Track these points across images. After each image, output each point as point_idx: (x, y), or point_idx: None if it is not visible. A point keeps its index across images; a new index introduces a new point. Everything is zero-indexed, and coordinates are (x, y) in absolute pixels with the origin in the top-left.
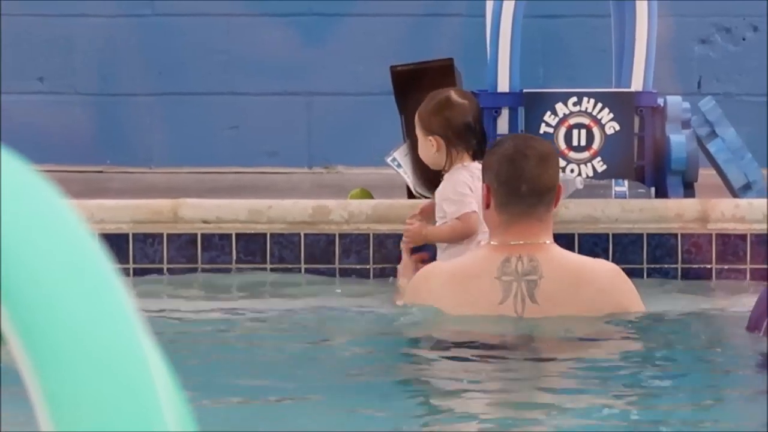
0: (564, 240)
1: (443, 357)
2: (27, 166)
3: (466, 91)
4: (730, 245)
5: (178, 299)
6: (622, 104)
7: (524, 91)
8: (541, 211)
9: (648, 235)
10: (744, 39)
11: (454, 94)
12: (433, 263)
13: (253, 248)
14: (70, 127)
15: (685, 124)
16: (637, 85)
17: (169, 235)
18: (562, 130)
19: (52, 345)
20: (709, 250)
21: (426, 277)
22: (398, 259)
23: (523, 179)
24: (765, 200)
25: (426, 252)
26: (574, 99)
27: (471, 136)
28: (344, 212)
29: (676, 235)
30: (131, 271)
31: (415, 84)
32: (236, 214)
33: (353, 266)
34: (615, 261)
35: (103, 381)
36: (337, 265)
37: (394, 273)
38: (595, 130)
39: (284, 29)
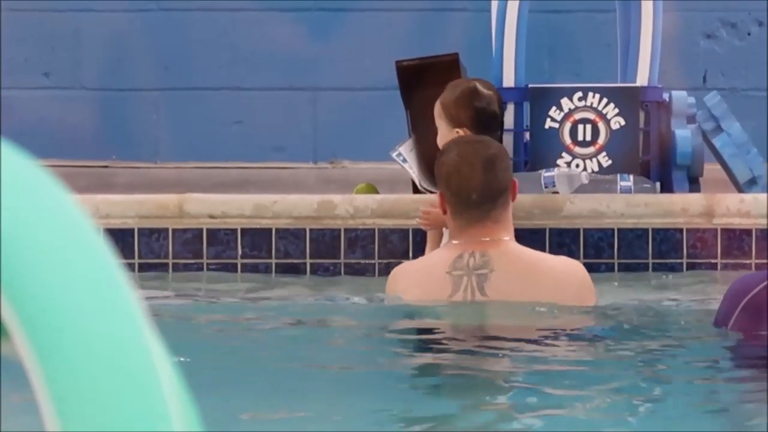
0: (569, 235)
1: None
2: (31, 161)
3: (487, 81)
4: (736, 240)
5: (183, 294)
6: (627, 99)
7: (529, 86)
8: (497, 213)
9: (653, 229)
10: (749, 34)
11: (479, 85)
12: (404, 262)
13: (258, 243)
14: (76, 122)
15: (691, 119)
16: (642, 80)
17: (174, 230)
18: (568, 125)
19: (58, 341)
20: (714, 245)
21: (395, 276)
22: (404, 254)
23: (472, 188)
24: None
25: None
26: (580, 94)
27: (497, 128)
28: (350, 207)
29: (681, 230)
30: (136, 266)
31: (420, 79)
32: (242, 209)
33: (358, 261)
34: (620, 256)
35: (109, 378)
36: (342, 260)
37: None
38: (601, 125)
39: (290, 24)
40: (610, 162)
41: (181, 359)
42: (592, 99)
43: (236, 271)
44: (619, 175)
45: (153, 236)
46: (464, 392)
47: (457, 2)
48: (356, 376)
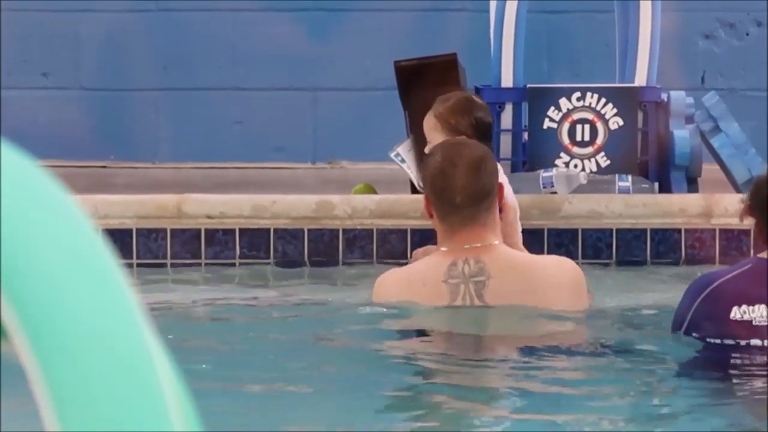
0: (567, 235)
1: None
2: (31, 161)
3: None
4: (734, 240)
5: (181, 294)
6: (625, 99)
7: (528, 86)
8: (483, 216)
9: (652, 230)
10: (748, 34)
11: (473, 96)
12: (391, 270)
13: (256, 243)
14: (75, 122)
15: (689, 119)
16: (640, 80)
17: (173, 230)
18: (566, 126)
19: (57, 341)
20: (712, 245)
21: (383, 284)
22: (402, 255)
23: (456, 191)
24: None
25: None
26: (578, 94)
27: (491, 137)
28: (348, 207)
29: (679, 230)
30: (135, 266)
31: (419, 79)
32: (240, 210)
33: (357, 261)
34: (619, 256)
35: (108, 378)
36: (340, 260)
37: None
38: (599, 126)
39: (290, 24)
40: (608, 162)
41: (179, 359)
42: (591, 99)
43: (235, 271)
44: (617, 176)
45: (151, 236)
46: (463, 398)
47: (456, 2)
48: (356, 377)
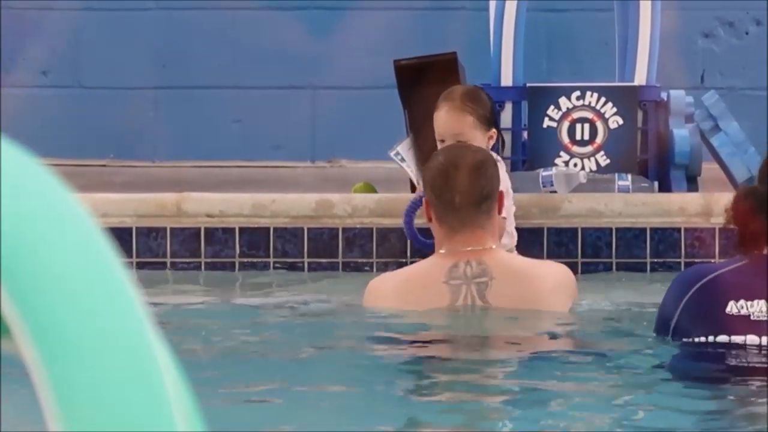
0: (567, 234)
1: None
2: (33, 159)
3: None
4: (733, 239)
5: (181, 293)
6: (625, 98)
7: (528, 85)
8: (481, 219)
9: (651, 229)
10: (747, 33)
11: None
12: (382, 274)
13: (256, 242)
14: (74, 120)
15: (689, 118)
16: (640, 79)
17: (172, 229)
18: (566, 124)
19: (61, 340)
20: (712, 244)
21: (376, 287)
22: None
23: (455, 191)
24: None
25: None
26: (578, 93)
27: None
28: (348, 206)
29: (679, 229)
30: (134, 265)
31: (418, 78)
32: (240, 208)
33: (356, 260)
34: (618, 255)
35: (112, 376)
36: (340, 259)
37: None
38: (599, 124)
39: (289, 23)
40: (608, 161)
41: (178, 358)
42: (591, 98)
43: (234, 270)
44: (617, 175)
45: (151, 235)
46: (463, 400)
47: (456, 1)
48: (355, 377)
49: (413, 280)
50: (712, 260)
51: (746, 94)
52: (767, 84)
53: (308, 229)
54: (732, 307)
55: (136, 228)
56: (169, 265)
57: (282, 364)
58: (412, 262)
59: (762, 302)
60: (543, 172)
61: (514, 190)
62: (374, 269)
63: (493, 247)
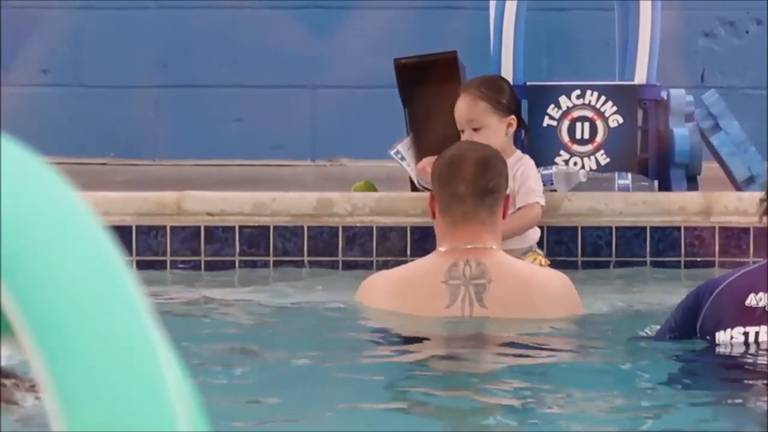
0: (567, 233)
1: (397, 359)
2: (33, 156)
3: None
4: (733, 238)
5: (181, 291)
6: (625, 97)
7: (528, 83)
8: (484, 214)
9: (651, 228)
10: (747, 32)
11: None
12: (379, 272)
13: (256, 241)
14: (74, 119)
15: (689, 117)
16: (640, 78)
17: (172, 228)
18: (566, 123)
19: (63, 338)
20: (712, 243)
21: (373, 284)
22: (402, 252)
23: (460, 179)
24: None
25: None
26: (578, 92)
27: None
28: (348, 205)
29: (679, 228)
30: (135, 264)
31: (419, 77)
32: (240, 207)
33: (357, 259)
34: (618, 254)
35: (115, 375)
36: (340, 258)
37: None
38: (599, 123)
39: (289, 22)
40: (608, 160)
41: (178, 356)
42: (591, 97)
43: (234, 268)
44: (617, 174)
45: (151, 233)
46: (460, 403)
47: (456, 0)
48: (354, 376)
49: (412, 278)
50: (719, 263)
51: (746, 93)
52: (767, 83)
53: (308, 227)
54: (752, 299)
55: (137, 226)
56: (169, 263)
57: (282, 363)
58: (412, 260)
59: None
60: (543, 171)
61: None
62: (374, 268)
63: (494, 247)
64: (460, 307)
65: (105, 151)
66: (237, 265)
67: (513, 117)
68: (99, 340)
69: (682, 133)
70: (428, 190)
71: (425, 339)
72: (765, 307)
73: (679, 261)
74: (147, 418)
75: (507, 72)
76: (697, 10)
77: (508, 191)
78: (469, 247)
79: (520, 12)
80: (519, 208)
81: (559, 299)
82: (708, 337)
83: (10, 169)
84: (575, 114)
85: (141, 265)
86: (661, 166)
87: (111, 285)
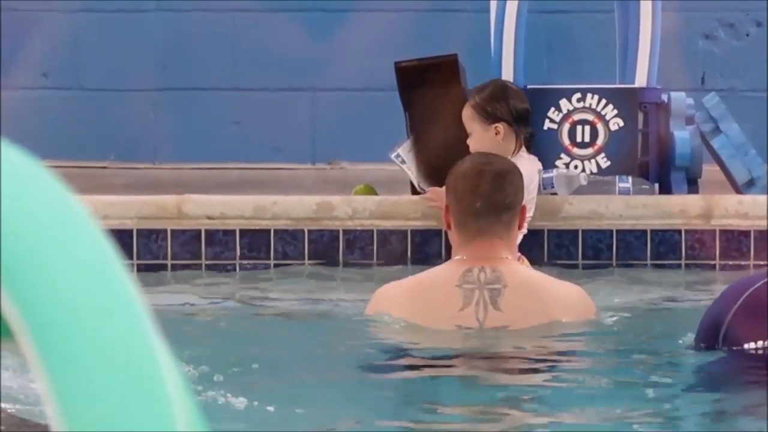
0: (568, 236)
1: (408, 366)
2: (33, 160)
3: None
4: (734, 241)
5: (181, 295)
6: (626, 100)
7: (528, 87)
8: (500, 229)
9: (652, 231)
10: (748, 35)
11: (507, 83)
12: (392, 281)
13: (257, 244)
14: (74, 122)
15: (689, 120)
16: (641, 81)
17: (173, 231)
18: (566, 126)
19: (62, 341)
20: (712, 246)
21: (387, 291)
22: (402, 256)
23: (478, 196)
24: None
25: None
26: (578, 95)
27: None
28: (348, 208)
29: (679, 231)
30: (135, 267)
31: (419, 80)
32: (240, 210)
33: (357, 262)
34: (619, 257)
35: (114, 378)
36: (340, 261)
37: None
38: (599, 126)
39: (289, 24)
40: (608, 163)
41: (178, 359)
42: (591, 100)
43: (235, 271)
44: (617, 177)
45: (152, 237)
46: (466, 409)
47: (456, 3)
48: (355, 381)
49: (425, 283)
50: (720, 266)
51: (747, 95)
52: (767, 86)
53: (309, 231)
54: None
55: (137, 230)
56: (169, 267)
57: (282, 367)
58: (412, 264)
59: None
60: (544, 174)
61: None
62: (375, 271)
63: (509, 257)
64: (474, 310)
65: (105, 154)
66: (237, 268)
67: (499, 125)
68: (98, 344)
69: (682, 136)
70: None
71: (436, 345)
72: None
73: (680, 264)
74: (146, 423)
75: (507, 74)
76: (697, 12)
77: None
78: (483, 256)
79: (521, 14)
80: None
81: (573, 305)
82: (733, 348)
83: (9, 173)
84: (576, 117)
85: (142, 269)
86: (661, 169)
87: (109, 289)
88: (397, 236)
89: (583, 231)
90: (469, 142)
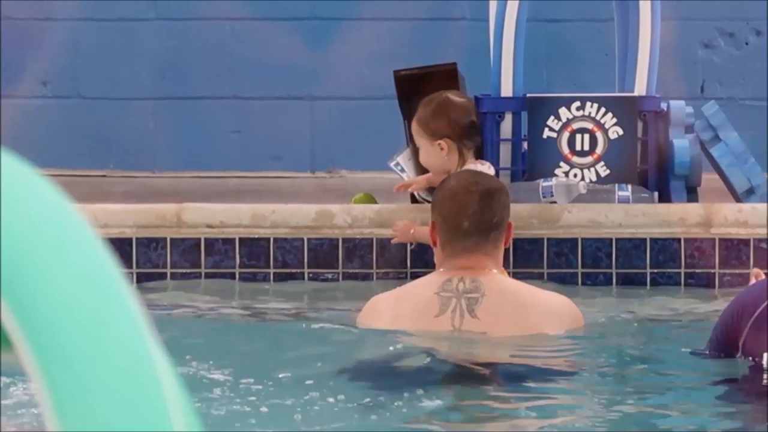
0: (567, 245)
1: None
2: (31, 170)
3: (458, 91)
4: (733, 250)
5: (181, 304)
6: (625, 109)
7: (528, 95)
8: (488, 247)
9: (651, 239)
10: (747, 43)
11: (451, 95)
12: (383, 293)
13: (256, 253)
14: (74, 131)
15: (689, 129)
16: (640, 89)
17: (172, 240)
18: (566, 135)
19: (60, 348)
20: (712, 255)
21: (375, 301)
22: (401, 264)
23: (464, 215)
24: None
25: None
26: (578, 103)
27: (476, 134)
28: (347, 217)
29: (679, 240)
30: (135, 276)
31: (418, 88)
32: (240, 219)
33: (356, 270)
34: (618, 266)
35: (112, 386)
36: (340, 270)
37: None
38: (599, 135)
39: (288, 33)
40: (608, 172)
41: (177, 368)
42: (590, 109)
43: (234, 280)
44: (617, 185)
45: (151, 246)
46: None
47: (456, 12)
48: (354, 387)
49: (407, 292)
50: (720, 274)
51: (746, 104)
52: (767, 94)
53: (308, 239)
54: None
55: (136, 239)
56: (169, 275)
57: (280, 375)
58: (412, 272)
59: None
60: (543, 183)
61: (514, 201)
62: (374, 280)
63: (494, 271)
64: (450, 317)
65: (104, 162)
66: (237, 277)
67: (442, 141)
68: (96, 353)
69: (682, 144)
70: (428, 201)
71: (419, 353)
72: None
73: (680, 273)
74: (143, 429)
75: (507, 83)
76: (697, 21)
77: None
78: (467, 267)
79: (520, 23)
80: None
81: (557, 315)
82: (753, 358)
83: (8, 182)
84: (575, 126)
85: (141, 278)
86: (661, 178)
87: (107, 297)
88: (397, 245)
89: (582, 239)
90: (420, 156)
